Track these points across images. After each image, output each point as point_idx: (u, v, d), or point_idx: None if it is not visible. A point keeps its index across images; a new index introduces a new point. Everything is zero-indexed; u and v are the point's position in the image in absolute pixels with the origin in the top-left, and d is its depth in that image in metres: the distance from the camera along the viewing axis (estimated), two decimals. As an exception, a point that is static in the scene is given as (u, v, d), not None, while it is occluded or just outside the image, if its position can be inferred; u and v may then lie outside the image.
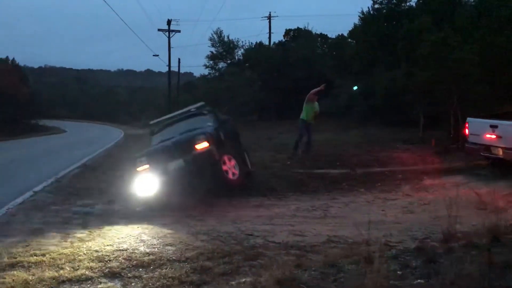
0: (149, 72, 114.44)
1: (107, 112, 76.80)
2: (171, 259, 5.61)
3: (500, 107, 11.26)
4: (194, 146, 8.39)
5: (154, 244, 6.26)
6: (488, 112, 11.36)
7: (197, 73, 65.06)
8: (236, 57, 34.69)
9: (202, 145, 8.37)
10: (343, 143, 13.47)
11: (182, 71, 48.85)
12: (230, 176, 8.56)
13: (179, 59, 44.78)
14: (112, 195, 10.63)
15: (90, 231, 7.11)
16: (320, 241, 6.33)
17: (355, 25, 23.21)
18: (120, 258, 5.65)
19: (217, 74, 35.91)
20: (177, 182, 8.34)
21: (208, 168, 8.41)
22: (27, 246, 6.30)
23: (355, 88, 14.38)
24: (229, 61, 35.16)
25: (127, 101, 79.10)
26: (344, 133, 14.56)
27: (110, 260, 5.59)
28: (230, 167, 8.59)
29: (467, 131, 11.06)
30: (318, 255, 5.63)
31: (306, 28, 32.21)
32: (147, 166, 8.46)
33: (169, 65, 42.67)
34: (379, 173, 10.85)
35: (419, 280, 3.67)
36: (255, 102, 28.11)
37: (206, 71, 38.05)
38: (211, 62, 35.63)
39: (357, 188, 10.20)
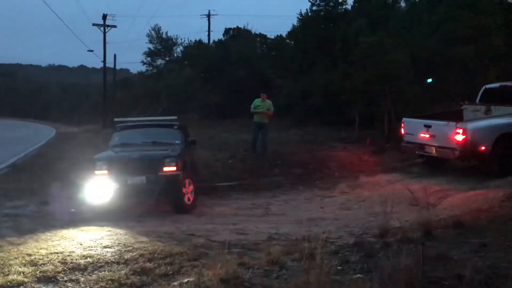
0: (82, 68, 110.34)
1: (38, 110, 73.27)
2: (109, 261, 5.45)
3: (431, 108, 11.81)
4: (161, 168, 8.03)
5: (91, 246, 6.04)
6: (420, 113, 11.89)
7: (134, 70, 63.39)
8: (175, 54, 34.28)
9: (170, 168, 8.05)
10: (283, 142, 13.61)
11: (118, 67, 47.59)
12: (186, 200, 8.34)
13: (114, 55, 43.41)
14: (45, 196, 10.17)
15: (21, 234, 6.75)
16: (262, 239, 6.38)
17: (293, 26, 23.61)
18: (54, 262, 5.41)
19: (155, 71, 35.21)
20: (133, 196, 7.98)
21: (170, 191, 8.12)
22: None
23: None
24: (167, 58, 34.64)
25: (59, 98, 75.89)
26: (284, 132, 14.73)
27: (43, 264, 5.34)
28: (188, 192, 8.35)
29: (402, 130, 11.54)
30: (260, 253, 5.66)
31: (245, 28, 32.37)
32: (105, 171, 8.01)
33: (104, 61, 41.37)
34: (317, 171, 11.08)
35: (358, 275, 3.78)
36: (196, 101, 27.83)
37: (143, 68, 37.27)
38: (148, 58, 34.94)
39: (297, 186, 10.36)
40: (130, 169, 7.87)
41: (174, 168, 8.05)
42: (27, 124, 54.76)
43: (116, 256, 5.60)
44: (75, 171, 14.13)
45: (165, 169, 8.01)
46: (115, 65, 43.44)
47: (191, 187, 8.33)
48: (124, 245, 6.06)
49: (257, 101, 12.81)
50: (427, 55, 13.50)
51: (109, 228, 7.01)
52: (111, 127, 9.89)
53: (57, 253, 5.75)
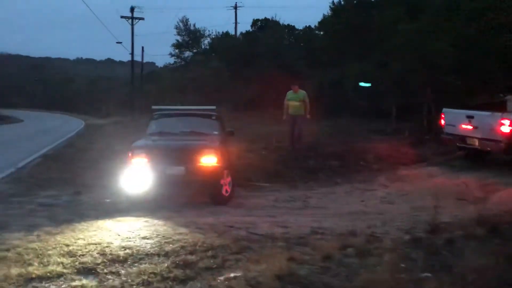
0: (109, 61, 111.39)
1: (66, 102, 74.33)
2: (149, 253, 5.24)
3: (472, 98, 11.31)
4: (201, 158, 7.79)
5: (130, 238, 5.84)
6: (461, 103, 11.40)
7: (160, 63, 63.54)
8: (202, 46, 34.13)
9: (209, 159, 7.79)
10: (315, 133, 13.23)
11: (144, 60, 47.73)
12: (224, 192, 8.05)
13: (142, 47, 43.68)
14: (78, 186, 10.09)
15: (57, 224, 6.61)
16: (305, 232, 6.09)
17: (324, 16, 23.15)
18: (93, 253, 5.23)
19: (182, 63, 35.14)
20: (171, 186, 7.73)
21: (209, 183, 7.83)
22: (-11, 240, 5.77)
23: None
24: (195, 50, 34.51)
25: (87, 91, 76.76)
26: (314, 124, 14.34)
27: (82, 255, 5.16)
28: (226, 183, 8.07)
29: (442, 121, 11.08)
30: (305, 247, 5.38)
31: (273, 19, 31.96)
32: (143, 160, 7.76)
33: (132, 54, 41.60)
34: (354, 164, 10.72)
35: (426, 274, 3.46)
36: (223, 92, 27.62)
37: (170, 60, 37.21)
38: (176, 50, 34.85)
39: (334, 179, 10.03)
40: (169, 158, 7.64)
41: (214, 159, 7.80)
42: (56, 116, 55.68)
43: (156, 248, 5.38)
44: (105, 162, 14.14)
45: (205, 159, 7.77)
46: (142, 58, 43.69)
47: (229, 179, 8.08)
48: (163, 236, 5.85)
49: (289, 94, 12.20)
50: (466, 44, 12.93)
51: (147, 219, 6.81)
52: (149, 115, 9.64)
53: (95, 244, 5.57)
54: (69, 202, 8.34)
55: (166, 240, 5.67)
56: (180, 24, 34.33)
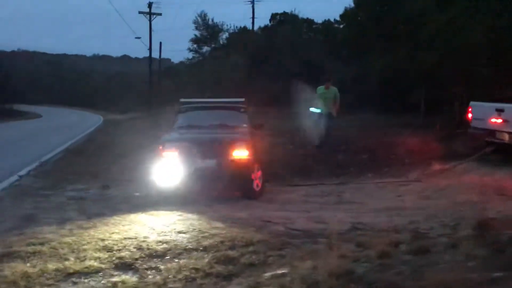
0: (126, 57, 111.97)
1: (84, 98, 74.84)
2: (187, 248, 5.05)
3: (504, 91, 10.89)
4: (233, 152, 7.57)
5: (165, 232, 5.66)
6: (493, 96, 10.98)
7: (176, 60, 63.49)
8: (221, 41, 33.91)
9: (241, 153, 7.57)
10: (343, 128, 12.91)
11: (162, 56, 47.56)
12: (255, 187, 7.82)
13: (160, 43, 43.46)
14: (105, 180, 9.97)
15: (89, 218, 6.46)
16: (345, 228, 5.84)
17: (346, 8, 22.75)
18: (130, 247, 5.06)
19: (201, 58, 34.97)
20: (202, 180, 7.50)
21: (240, 177, 7.62)
22: (21, 234, 5.63)
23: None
24: (213, 45, 34.33)
25: (104, 87, 77.20)
26: (339, 119, 14.03)
27: (119, 250, 4.99)
28: (257, 177, 7.83)
29: (470, 115, 10.69)
30: (349, 244, 5.15)
31: (292, 12, 31.62)
32: (174, 154, 7.55)
33: (150, 49, 41.46)
34: (385, 158, 10.43)
35: (497, 273, 3.20)
36: (242, 87, 27.38)
37: (188, 55, 37.02)
38: (195, 45, 34.70)
39: (365, 173, 9.75)
40: (200, 152, 7.44)
41: (245, 153, 7.58)
42: (74, 111, 56.08)
43: (194, 243, 5.19)
44: (129, 156, 14.05)
45: (237, 153, 7.56)
46: (160, 53, 43.59)
47: (260, 173, 7.86)
48: (199, 230, 5.65)
49: (320, 89, 11.44)
50: (498, 35, 12.47)
51: (180, 213, 6.63)
52: (168, 109, 9.47)
53: (131, 238, 5.40)
54: (98, 195, 8.21)
55: (203, 235, 5.48)
56: (199, 19, 34.20)
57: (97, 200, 7.77)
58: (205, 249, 4.98)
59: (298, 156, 10.53)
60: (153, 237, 5.44)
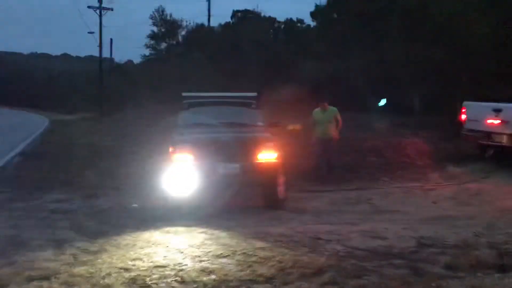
0: (66, 56, 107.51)
1: (24, 98, 70.67)
2: (243, 279, 3.94)
3: (508, 89, 10.39)
4: (259, 153, 6.47)
5: (200, 256, 4.50)
6: (488, 95, 10.44)
7: (120, 58, 60.80)
8: (180, 38, 32.36)
9: (269, 155, 6.49)
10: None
11: (121, 59, 45.17)
12: (280, 194, 6.78)
13: (111, 39, 41.30)
14: (83, 188, 8.58)
15: (91, 238, 5.17)
16: (411, 245, 4.92)
17: (317, 6, 22.02)
18: (168, 280, 3.88)
19: (162, 53, 33.14)
20: (221, 187, 6.36)
21: (266, 182, 6.57)
22: (11, 264, 4.30)
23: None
24: (171, 42, 32.73)
25: (46, 87, 73.24)
26: None
27: (155, 284, 3.81)
28: (281, 183, 6.80)
29: (463, 116, 10.11)
30: (435, 266, 4.23)
31: (255, 10, 30.67)
32: (190, 155, 6.31)
33: (100, 46, 39.41)
34: (396, 160, 9.64)
35: None
36: (205, 87, 26.13)
37: (145, 52, 35.09)
38: (152, 42, 32.95)
39: (379, 177, 8.92)
40: (220, 154, 6.27)
41: (274, 155, 6.50)
42: (14, 112, 52.29)
43: (247, 271, 4.11)
44: (100, 160, 12.56)
45: (263, 155, 6.46)
46: (111, 50, 41.46)
47: (283, 178, 6.80)
48: (243, 253, 4.54)
49: (316, 113, 9.52)
50: (507, 31, 11.73)
51: (202, 229, 5.46)
52: (181, 104, 8.09)
53: (162, 266, 4.21)
54: (87, 208, 6.86)
55: (251, 259, 4.38)
56: (156, 14, 32.54)
57: (89, 214, 6.43)
58: (269, 281, 3.89)
59: (303, 158, 9.51)
60: (189, 264, 4.27)
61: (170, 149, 6.32)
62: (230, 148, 6.33)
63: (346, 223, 5.81)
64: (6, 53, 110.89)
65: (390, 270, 4.16)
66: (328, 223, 5.85)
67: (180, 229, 5.53)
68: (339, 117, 9.44)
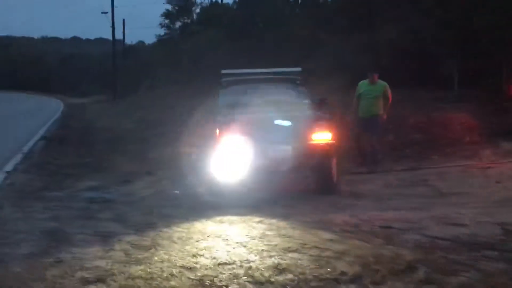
0: (76, 39, 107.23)
1: (37, 82, 70.57)
2: (323, 277, 3.46)
3: None
4: (312, 134, 5.96)
5: (266, 250, 4.02)
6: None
7: (132, 40, 60.07)
8: (195, 16, 31.54)
9: (323, 135, 5.97)
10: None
11: (130, 41, 44.55)
12: (334, 177, 6.25)
13: (123, 20, 40.72)
14: (114, 173, 8.19)
15: (139, 231, 4.73)
16: (497, 232, 4.41)
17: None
18: (240, 281, 3.41)
19: (176, 33, 32.41)
20: (271, 171, 5.86)
21: (320, 165, 6.08)
22: (58, 262, 3.86)
23: None
24: (186, 21, 31.96)
25: (58, 70, 73.08)
26: (347, 96, 12.55)
27: (226, 286, 3.35)
28: (333, 165, 6.28)
29: None
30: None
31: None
32: (237, 138, 5.78)
33: (112, 27, 38.90)
34: (441, 137, 9.06)
35: None
36: (223, 66, 25.47)
37: (160, 32, 34.31)
38: (167, 21, 32.20)
39: (428, 155, 8.37)
40: (270, 135, 5.76)
41: (328, 135, 5.98)
42: (29, 97, 52.18)
43: (325, 267, 3.61)
44: (122, 143, 12.18)
45: (317, 136, 5.94)
46: (124, 32, 40.85)
47: (335, 160, 6.29)
48: (314, 246, 4.05)
49: (362, 85, 8.56)
50: None
51: (258, 218, 4.98)
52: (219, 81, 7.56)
53: (227, 263, 3.74)
54: (125, 195, 6.43)
55: (325, 253, 3.89)
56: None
57: (130, 203, 5.99)
58: (355, 280, 3.40)
59: (341, 138, 8.96)
60: (257, 260, 3.79)
61: (217, 131, 5.81)
62: (282, 129, 5.81)
63: (411, 208, 5.30)
64: (17, 37, 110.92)
65: (487, 264, 3.66)
66: (391, 208, 5.34)
67: (234, 218, 5.06)
68: (389, 93, 8.40)
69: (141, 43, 61.23)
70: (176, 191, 6.40)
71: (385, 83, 8.60)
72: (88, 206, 5.80)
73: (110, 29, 37.29)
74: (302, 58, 21.13)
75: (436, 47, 12.37)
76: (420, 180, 6.77)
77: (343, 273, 3.50)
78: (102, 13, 34.91)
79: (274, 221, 4.88)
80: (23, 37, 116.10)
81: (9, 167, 8.38)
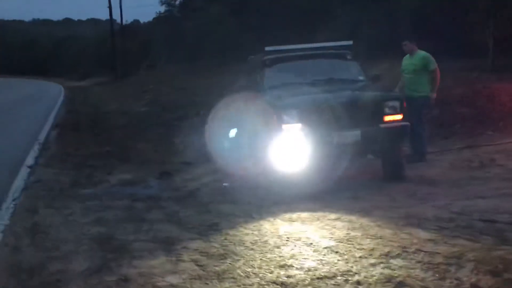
0: (68, 21, 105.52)
1: (33, 66, 69.43)
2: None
3: None
4: (383, 116, 5.28)
5: (364, 257, 3.45)
6: None
7: (127, 19, 58.80)
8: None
9: (395, 117, 5.29)
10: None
11: (125, 20, 43.24)
12: (403, 162, 5.66)
13: (120, -1, 39.49)
14: (144, 163, 7.57)
15: (202, 234, 4.15)
16: None
17: None
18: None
19: (176, 10, 31.35)
20: (339, 159, 5.22)
21: (391, 150, 5.48)
22: (125, 281, 3.29)
23: None
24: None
25: (54, 53, 71.80)
26: (373, 66, 11.82)
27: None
28: (402, 150, 5.72)
29: None
30: None
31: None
32: (299, 124, 5.13)
33: (109, 7, 37.83)
34: (490, 110, 8.43)
35: None
36: (229, 45, 24.59)
37: (159, 9, 33.18)
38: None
39: (481, 131, 7.77)
40: (336, 120, 5.13)
41: (399, 116, 5.35)
42: (28, 81, 51.14)
43: (451, 280, 3.02)
44: (142, 128, 11.52)
45: (389, 117, 5.32)
46: (121, 10, 39.75)
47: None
48: (418, 250, 3.48)
49: (405, 58, 6.97)
50: None
51: (334, 215, 4.39)
52: (252, 62, 6.94)
53: (327, 277, 3.17)
54: (170, 190, 5.81)
55: (437, 259, 3.31)
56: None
57: (178, 199, 5.38)
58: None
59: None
60: (361, 271, 3.21)
61: (274, 117, 5.15)
62: (348, 111, 5.18)
63: (500, 195, 4.71)
64: (8, 21, 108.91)
65: None
66: (476, 196, 4.76)
67: (305, 215, 4.47)
68: (433, 67, 6.67)
69: (136, 21, 60.03)
70: (225, 184, 5.80)
71: (424, 54, 6.80)
72: (131, 204, 5.21)
73: (102, 9, 36.32)
74: (313, 32, 20.37)
75: (466, 12, 11.58)
76: (486, 159, 6.16)
77: (475, 286, 2.93)
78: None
79: (353, 218, 4.30)
80: (14, 21, 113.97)
81: (29, 160, 7.76)
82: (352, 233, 3.93)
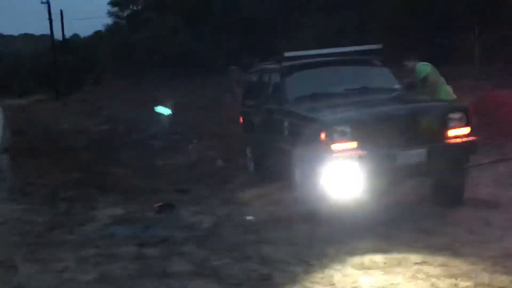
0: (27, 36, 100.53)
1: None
2: None
3: None
4: (448, 130, 4.50)
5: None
6: None
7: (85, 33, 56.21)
8: (144, 2, 28.95)
9: (461, 131, 4.55)
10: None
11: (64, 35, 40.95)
12: (464, 183, 4.86)
13: (61, 10, 37.55)
14: (125, 192, 6.42)
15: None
16: None
17: None
18: None
19: (124, 22, 29.71)
20: (402, 182, 4.52)
21: (455, 169, 4.67)
22: None
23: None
24: (135, 8, 29.35)
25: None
26: None
27: None
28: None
29: None
30: None
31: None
32: (353, 143, 4.24)
33: (49, 19, 35.80)
34: (501, 118, 7.89)
35: None
36: (183, 57, 23.47)
37: (107, 21, 31.48)
38: (115, 8, 29.41)
39: (503, 141, 7.20)
40: (398, 136, 4.27)
41: (467, 130, 4.57)
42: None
43: None
44: (109, 149, 10.23)
45: (455, 131, 4.52)
46: (62, 23, 37.65)
47: None
48: None
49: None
50: None
51: (414, 256, 3.52)
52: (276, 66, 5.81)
53: None
54: (182, 228, 4.66)
55: None
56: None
57: (197, 241, 4.28)
58: None
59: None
60: None
61: (321, 135, 4.20)
62: (411, 126, 4.34)
63: None
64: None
65: None
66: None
67: (378, 258, 3.55)
68: (420, 76, 5.99)
69: (76, 36, 57.68)
70: (248, 217, 4.76)
71: (426, 66, 6.19)
72: (140, 251, 4.09)
73: (35, 24, 34.45)
74: (274, 42, 19.66)
75: (448, 16, 11.19)
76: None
77: None
78: (41, 2, 31.94)
79: (442, 259, 3.44)
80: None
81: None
82: (455, 282, 3.06)
